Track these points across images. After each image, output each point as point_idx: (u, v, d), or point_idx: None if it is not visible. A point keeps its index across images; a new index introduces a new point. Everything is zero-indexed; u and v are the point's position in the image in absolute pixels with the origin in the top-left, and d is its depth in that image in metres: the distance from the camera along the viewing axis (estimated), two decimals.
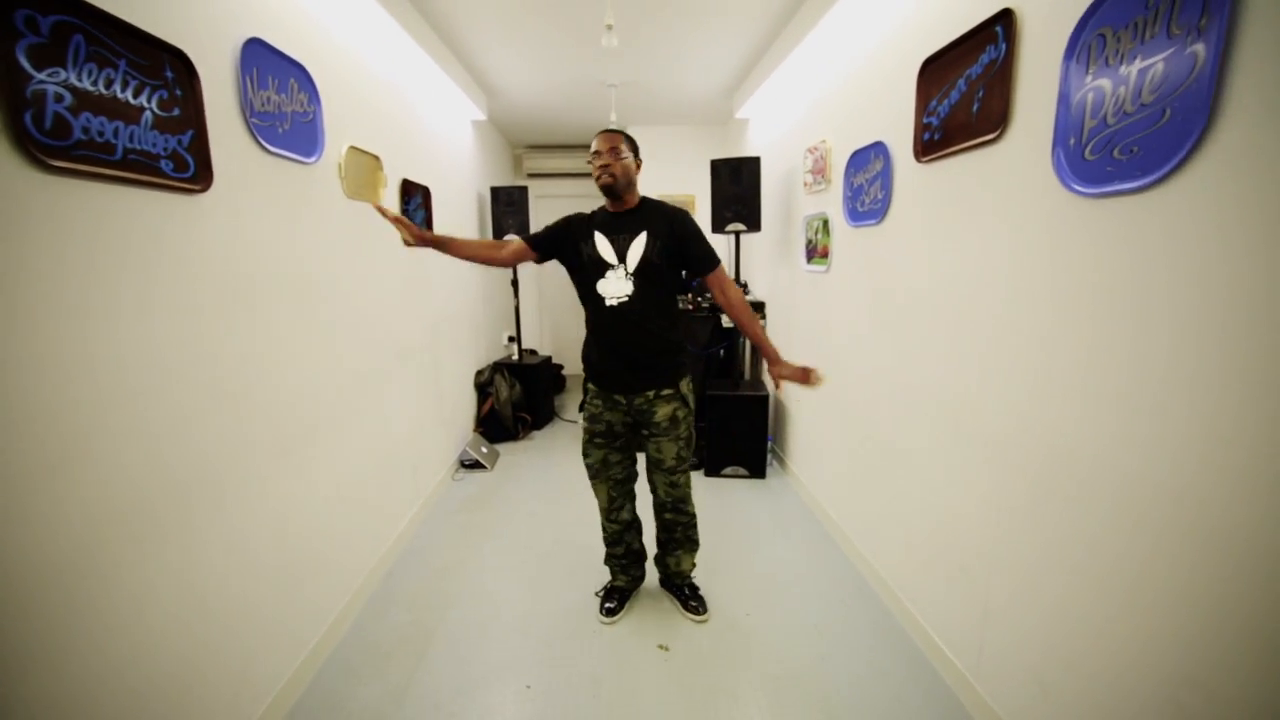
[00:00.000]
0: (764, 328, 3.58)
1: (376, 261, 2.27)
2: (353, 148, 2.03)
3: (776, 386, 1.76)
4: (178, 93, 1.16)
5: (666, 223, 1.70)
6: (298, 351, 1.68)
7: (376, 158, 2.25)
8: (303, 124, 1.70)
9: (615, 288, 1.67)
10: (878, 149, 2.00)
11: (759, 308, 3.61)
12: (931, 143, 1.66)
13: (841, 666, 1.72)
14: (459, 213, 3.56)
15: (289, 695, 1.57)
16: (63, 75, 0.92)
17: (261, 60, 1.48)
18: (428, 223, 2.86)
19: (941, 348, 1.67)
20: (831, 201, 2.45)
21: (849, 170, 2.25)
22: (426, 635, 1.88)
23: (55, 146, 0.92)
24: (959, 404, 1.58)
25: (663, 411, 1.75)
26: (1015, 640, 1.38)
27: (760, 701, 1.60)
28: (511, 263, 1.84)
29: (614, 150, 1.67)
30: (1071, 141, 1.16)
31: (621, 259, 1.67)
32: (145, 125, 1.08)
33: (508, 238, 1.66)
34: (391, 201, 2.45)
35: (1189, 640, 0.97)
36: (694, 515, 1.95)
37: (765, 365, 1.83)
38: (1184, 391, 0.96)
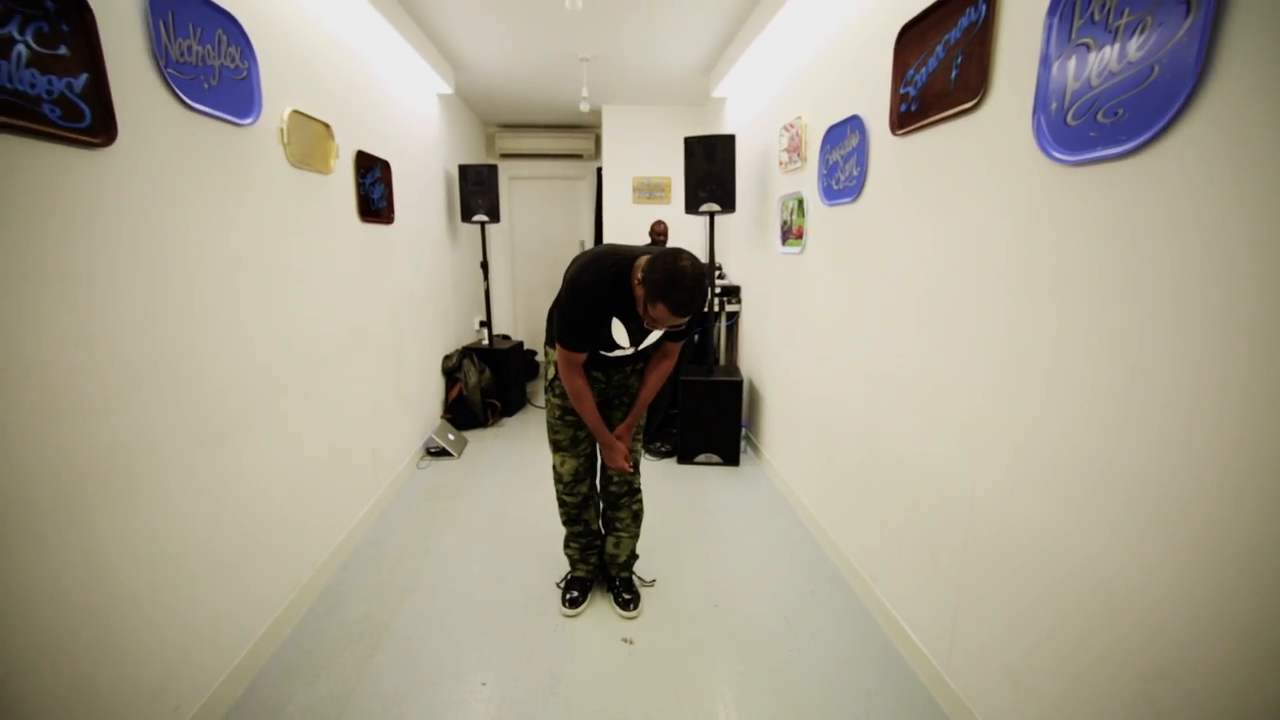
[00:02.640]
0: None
1: (327, 236, 2.13)
2: (296, 112, 1.88)
3: (610, 461, 1.76)
4: (63, 28, 1.01)
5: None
6: (231, 331, 1.55)
7: (326, 125, 2.10)
8: (234, 81, 1.55)
9: (621, 357, 1.71)
10: (854, 123, 1.92)
11: (734, 292, 3.53)
12: (909, 114, 1.58)
13: (812, 661, 1.67)
14: (424, 189, 3.39)
15: (222, 699, 1.46)
16: None
17: (178, 3, 1.33)
18: (388, 198, 2.71)
19: (915, 329, 1.61)
20: (807, 180, 2.37)
21: (824, 147, 2.17)
22: (379, 631, 1.78)
23: None
24: (932, 385, 1.53)
25: (637, 382, 1.83)
26: (986, 635, 1.34)
27: (727, 698, 1.54)
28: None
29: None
30: (1054, 106, 1.09)
31: (635, 344, 1.65)
32: (18, 62, 0.94)
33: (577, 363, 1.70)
34: (346, 174, 2.30)
35: (1159, 633, 0.92)
36: (640, 489, 1.93)
37: (613, 443, 1.76)
38: (1163, 372, 0.91)
